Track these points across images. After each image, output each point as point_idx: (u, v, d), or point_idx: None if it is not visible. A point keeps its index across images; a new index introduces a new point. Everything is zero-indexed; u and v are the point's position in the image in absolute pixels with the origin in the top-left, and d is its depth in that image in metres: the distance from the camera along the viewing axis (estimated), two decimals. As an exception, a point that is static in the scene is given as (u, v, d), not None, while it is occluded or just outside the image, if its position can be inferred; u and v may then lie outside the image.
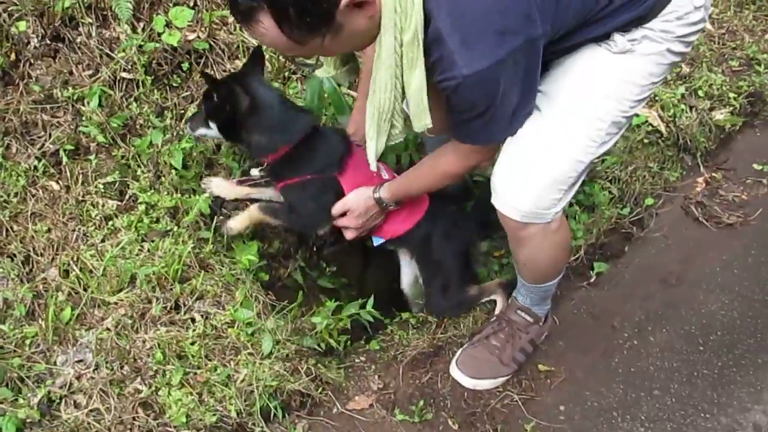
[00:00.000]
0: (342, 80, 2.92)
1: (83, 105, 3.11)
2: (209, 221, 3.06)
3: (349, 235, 2.98)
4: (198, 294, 2.87)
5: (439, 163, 2.57)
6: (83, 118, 3.08)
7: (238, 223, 3.00)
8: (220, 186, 3.10)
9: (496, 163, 2.45)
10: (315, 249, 3.45)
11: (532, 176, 2.37)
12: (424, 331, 3.12)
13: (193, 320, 2.81)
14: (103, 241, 2.94)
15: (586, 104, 2.31)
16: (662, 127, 4.05)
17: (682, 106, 4.15)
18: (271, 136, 2.82)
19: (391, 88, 2.19)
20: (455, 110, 2.21)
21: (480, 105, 2.15)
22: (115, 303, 2.80)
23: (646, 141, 4.02)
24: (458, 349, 3.01)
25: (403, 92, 2.21)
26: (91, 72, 3.23)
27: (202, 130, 2.92)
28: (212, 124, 2.85)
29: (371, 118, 2.33)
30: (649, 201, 3.83)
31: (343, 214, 2.91)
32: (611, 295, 3.40)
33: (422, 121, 2.21)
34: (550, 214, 2.44)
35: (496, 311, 3.09)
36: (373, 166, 2.53)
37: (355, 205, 2.87)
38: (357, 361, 3.00)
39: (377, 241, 3.05)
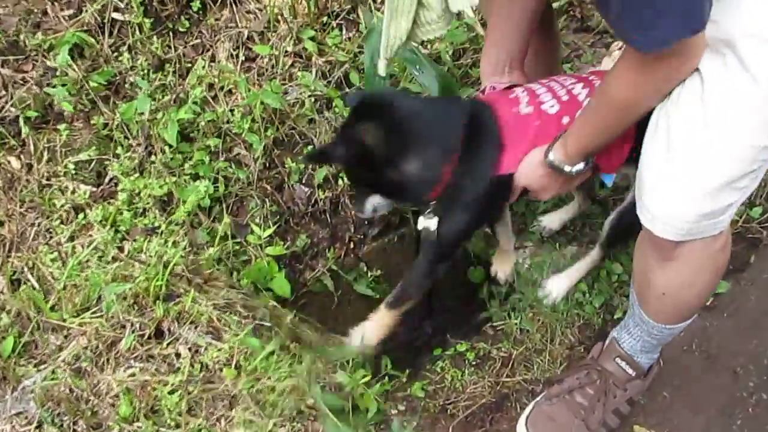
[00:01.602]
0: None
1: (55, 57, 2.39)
2: (208, 217, 2.36)
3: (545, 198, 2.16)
4: (187, 318, 2.17)
5: (611, 90, 1.69)
6: (55, 74, 2.36)
7: (372, 333, 2.33)
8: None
9: (640, 166, 1.75)
10: (352, 245, 2.72)
11: (698, 175, 1.64)
12: (485, 370, 2.38)
13: (177, 355, 2.12)
14: (70, 239, 2.26)
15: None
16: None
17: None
18: (425, 162, 2.00)
19: None
20: None
21: None
22: (79, 327, 2.12)
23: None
24: (529, 401, 2.26)
25: None
26: (71, 12, 2.50)
27: (370, 205, 2.19)
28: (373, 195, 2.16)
29: None
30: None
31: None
32: (732, 326, 2.60)
33: None
34: (720, 224, 1.76)
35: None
36: (381, 69, 1.77)
37: (533, 184, 2.04)
38: (393, 412, 2.28)
39: (609, 180, 2.17)
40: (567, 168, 1.91)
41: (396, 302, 2.25)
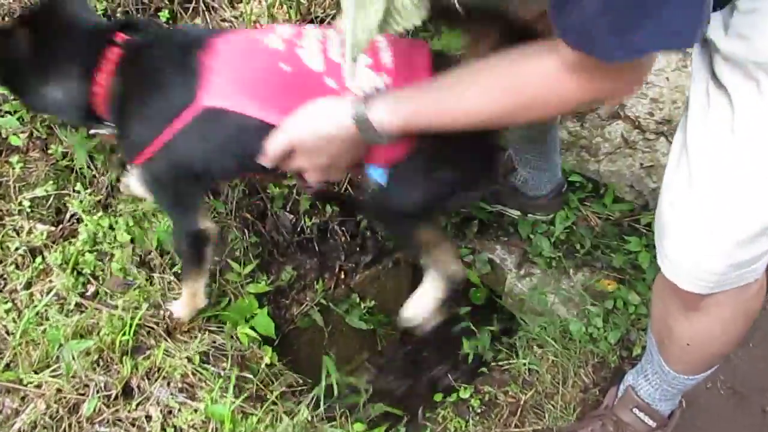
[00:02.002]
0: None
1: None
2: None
3: (311, 179, 1.59)
4: (159, 374, 1.94)
5: (527, 80, 1.26)
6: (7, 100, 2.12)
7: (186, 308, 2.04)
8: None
9: (660, 201, 1.50)
10: (343, 275, 2.49)
11: (728, 222, 1.38)
12: (492, 419, 2.16)
13: (148, 418, 1.89)
14: (27, 286, 2.02)
15: None
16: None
17: None
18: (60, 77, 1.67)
19: None
20: None
21: None
22: (36, 388, 1.89)
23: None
24: (540, 452, 2.05)
25: None
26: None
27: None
28: None
29: None
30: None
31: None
32: (761, 357, 2.38)
33: None
34: (755, 272, 1.51)
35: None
36: (348, 77, 1.40)
37: (307, 143, 1.48)
38: (390, 469, 2.07)
39: (377, 175, 1.61)
40: (379, 134, 1.41)
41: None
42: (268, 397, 1.96)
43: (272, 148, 1.49)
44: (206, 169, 1.64)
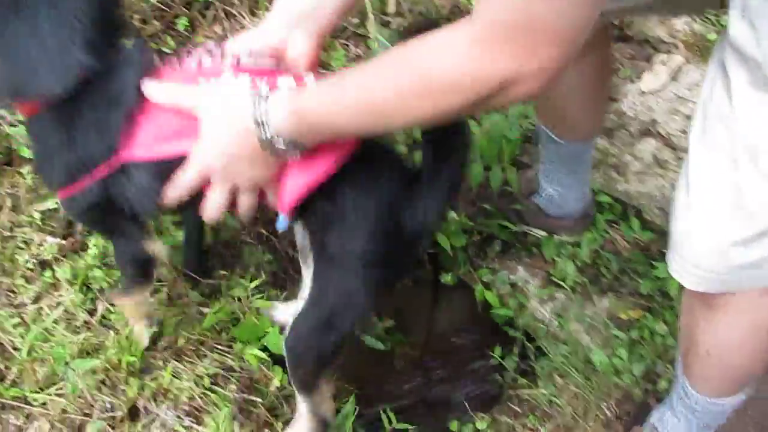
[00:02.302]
0: None
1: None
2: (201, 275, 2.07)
3: (210, 212, 1.44)
4: (166, 396, 1.89)
5: (429, 57, 1.09)
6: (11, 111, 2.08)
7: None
8: None
9: (676, 202, 1.38)
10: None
11: (722, 223, 1.30)
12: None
13: (154, 441, 1.85)
14: (35, 301, 1.98)
15: None
16: None
17: None
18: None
19: None
20: None
21: None
22: (42, 406, 1.85)
23: None
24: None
25: None
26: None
27: None
28: None
29: None
30: None
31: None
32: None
33: None
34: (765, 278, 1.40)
35: None
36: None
37: (213, 161, 1.35)
38: None
39: (281, 223, 1.50)
40: (277, 137, 1.25)
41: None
42: (275, 425, 1.89)
43: (180, 184, 1.37)
44: (130, 209, 1.54)
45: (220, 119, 1.30)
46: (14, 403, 1.85)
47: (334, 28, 1.52)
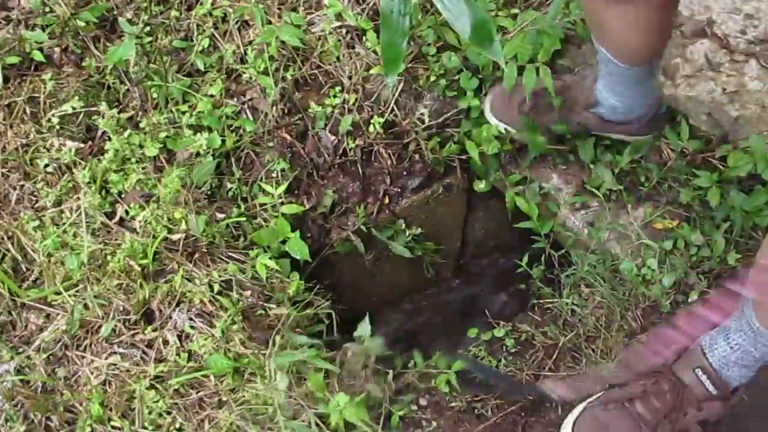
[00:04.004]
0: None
1: (40, -10, 2.09)
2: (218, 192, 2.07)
3: None
4: (179, 298, 1.91)
5: None
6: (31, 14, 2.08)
7: None
8: None
9: None
10: (387, 200, 2.38)
11: None
12: (525, 361, 2.04)
13: (165, 342, 1.88)
14: (57, 204, 2.02)
15: None
16: None
17: None
18: None
19: None
20: None
21: None
22: (61, 305, 1.90)
23: None
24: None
25: None
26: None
27: None
28: None
29: None
30: None
31: None
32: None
33: None
34: None
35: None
36: None
37: None
38: (414, 407, 1.98)
39: None
40: None
41: None
42: (281, 330, 1.89)
43: None
44: None
45: None
46: (35, 304, 1.91)
47: None
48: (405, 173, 2.38)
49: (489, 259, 2.61)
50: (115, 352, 1.86)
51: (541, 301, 2.15)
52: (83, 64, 2.12)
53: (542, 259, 2.23)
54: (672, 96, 2.36)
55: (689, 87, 2.38)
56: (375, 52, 2.26)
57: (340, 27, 2.28)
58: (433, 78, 2.28)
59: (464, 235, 2.59)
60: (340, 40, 2.27)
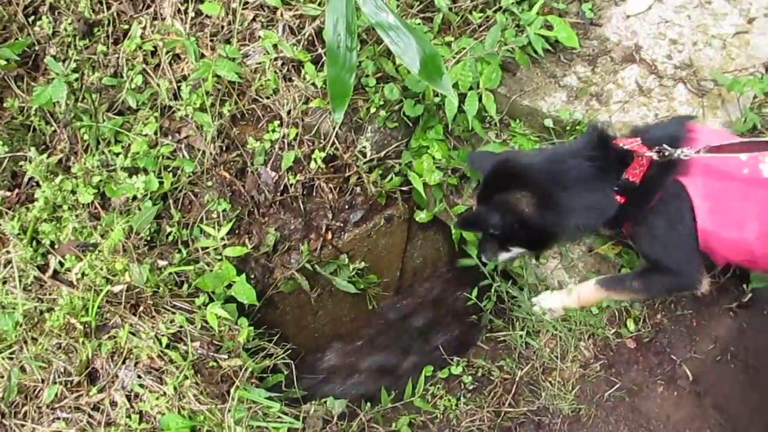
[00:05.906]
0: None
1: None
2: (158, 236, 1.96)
3: None
4: (125, 354, 1.80)
5: None
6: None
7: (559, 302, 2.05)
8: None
9: None
10: (330, 235, 2.32)
11: None
12: (484, 397, 2.02)
13: (113, 403, 1.76)
14: (-18, 256, 1.87)
15: None
16: None
17: None
18: (588, 208, 1.82)
19: None
20: None
21: None
22: (-5, 370, 1.76)
23: None
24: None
25: None
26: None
27: (505, 256, 2.00)
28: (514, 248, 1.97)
29: None
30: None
31: None
32: (775, 328, 2.18)
33: None
34: None
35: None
36: None
37: None
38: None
39: None
40: None
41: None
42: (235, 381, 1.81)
43: None
44: None
45: None
46: (-38, 369, 1.76)
47: None
48: (347, 207, 2.33)
49: (427, 287, 2.58)
50: (59, 418, 1.73)
51: (494, 333, 2.13)
52: (5, 105, 1.98)
53: (491, 291, 2.21)
54: (607, 122, 2.39)
55: (623, 112, 2.42)
56: (314, 84, 2.19)
57: (275, 59, 2.21)
58: (373, 110, 2.23)
59: (403, 264, 2.55)
60: (276, 73, 2.19)
